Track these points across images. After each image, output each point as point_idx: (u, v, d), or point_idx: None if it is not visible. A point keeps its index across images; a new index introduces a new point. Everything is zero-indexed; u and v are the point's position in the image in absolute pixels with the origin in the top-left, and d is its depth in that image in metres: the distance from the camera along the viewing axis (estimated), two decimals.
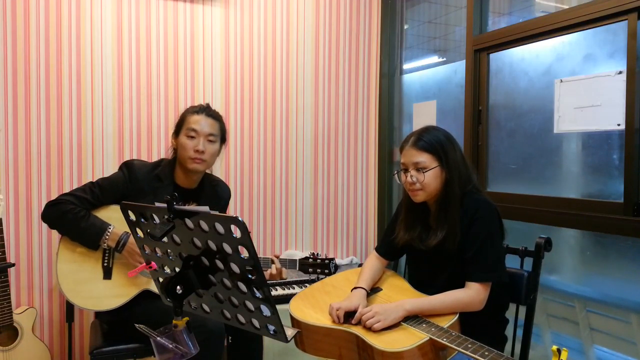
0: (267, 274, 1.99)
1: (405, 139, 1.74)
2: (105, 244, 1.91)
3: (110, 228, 1.91)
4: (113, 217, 1.95)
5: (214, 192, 2.16)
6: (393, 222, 1.88)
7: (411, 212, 1.79)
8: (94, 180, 2.02)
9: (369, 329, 1.53)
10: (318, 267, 2.08)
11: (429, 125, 1.77)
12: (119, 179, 1.99)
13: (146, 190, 1.97)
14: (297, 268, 2.08)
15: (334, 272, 2.08)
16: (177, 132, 2.05)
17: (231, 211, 2.91)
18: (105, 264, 1.94)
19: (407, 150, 1.71)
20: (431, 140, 1.68)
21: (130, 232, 1.90)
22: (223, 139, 2.09)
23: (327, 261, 2.08)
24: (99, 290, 1.91)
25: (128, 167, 2.00)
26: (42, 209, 1.96)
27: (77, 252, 1.93)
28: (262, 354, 2.13)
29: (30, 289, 2.49)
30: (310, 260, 2.09)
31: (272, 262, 2.00)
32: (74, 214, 1.90)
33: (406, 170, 1.70)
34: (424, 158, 1.66)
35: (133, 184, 1.97)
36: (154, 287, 1.95)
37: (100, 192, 1.96)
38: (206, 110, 2.05)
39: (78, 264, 1.92)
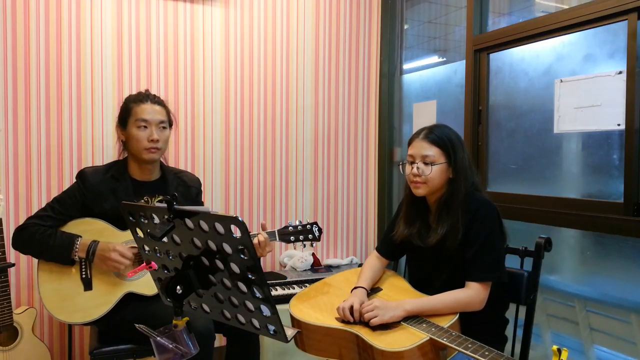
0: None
1: (416, 132, 1.75)
2: (76, 257, 1.88)
3: (78, 240, 1.89)
4: (82, 230, 1.93)
5: (181, 181, 2.14)
6: (394, 221, 1.89)
7: (412, 208, 1.79)
8: (51, 200, 1.99)
9: (367, 323, 1.54)
10: (300, 234, 1.99)
11: (440, 123, 1.78)
12: (74, 190, 1.98)
13: (105, 193, 1.96)
14: (277, 239, 1.97)
15: (319, 236, 1.98)
16: (123, 124, 2.02)
17: (231, 211, 2.92)
18: (84, 276, 1.92)
19: (417, 142, 1.71)
20: (442, 136, 1.69)
21: (97, 240, 1.89)
22: (171, 123, 2.08)
23: (309, 226, 2.00)
24: (83, 303, 1.90)
25: (80, 176, 2.00)
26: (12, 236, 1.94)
27: (54, 271, 1.91)
28: (260, 353, 2.12)
29: (30, 289, 2.49)
30: (290, 228, 2.00)
31: (263, 229, 1.93)
32: (41, 234, 1.88)
33: (412, 163, 1.71)
34: (433, 152, 1.67)
35: (89, 190, 1.96)
36: (136, 289, 1.94)
37: (60, 207, 1.95)
38: (151, 97, 2.03)
39: (58, 282, 1.91)
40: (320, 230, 2.02)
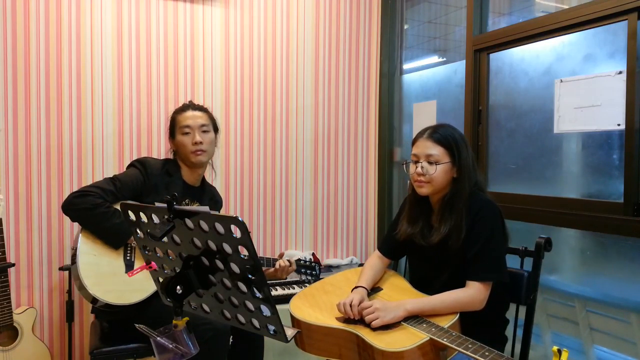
0: (276, 264, 2.10)
1: (420, 131, 1.75)
2: (132, 242, 1.94)
3: None
4: None
5: (212, 194, 2.27)
6: (396, 219, 1.89)
7: (416, 207, 1.79)
8: (111, 176, 2.03)
9: (368, 324, 1.54)
10: (307, 269, 2.19)
11: (444, 123, 1.79)
12: (137, 174, 2.02)
13: (159, 186, 2.02)
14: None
15: (318, 275, 2.20)
16: (172, 135, 2.15)
17: (231, 211, 2.92)
18: (128, 258, 1.95)
19: (421, 141, 1.71)
20: (447, 135, 1.69)
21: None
22: (215, 128, 2.19)
23: (313, 264, 2.19)
24: (121, 284, 1.90)
25: (143, 163, 2.05)
26: (65, 198, 1.93)
27: (98, 245, 1.92)
28: (263, 353, 2.13)
29: (30, 289, 2.49)
30: (302, 261, 2.19)
31: (280, 257, 2.12)
32: (106, 208, 1.90)
33: (416, 162, 1.71)
34: (437, 151, 1.67)
35: (150, 179, 2.02)
36: None
37: (121, 184, 1.98)
38: (191, 105, 2.16)
39: (100, 257, 1.91)
40: (320, 269, 2.23)
